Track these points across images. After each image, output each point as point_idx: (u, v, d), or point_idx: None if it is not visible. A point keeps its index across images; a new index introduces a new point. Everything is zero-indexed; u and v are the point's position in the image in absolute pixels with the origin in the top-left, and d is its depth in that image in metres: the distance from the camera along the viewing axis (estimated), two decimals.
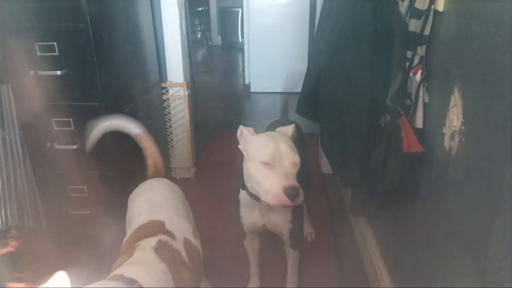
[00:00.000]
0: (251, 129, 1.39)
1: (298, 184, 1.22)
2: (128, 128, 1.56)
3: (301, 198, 1.23)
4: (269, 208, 1.46)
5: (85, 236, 2.05)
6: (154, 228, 1.21)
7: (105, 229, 1.88)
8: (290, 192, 1.20)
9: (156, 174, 1.56)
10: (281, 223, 1.54)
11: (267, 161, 1.25)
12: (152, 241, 1.13)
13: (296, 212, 1.54)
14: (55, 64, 1.74)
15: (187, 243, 1.22)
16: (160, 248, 1.11)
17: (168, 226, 1.22)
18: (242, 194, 1.49)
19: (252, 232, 1.65)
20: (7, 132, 1.90)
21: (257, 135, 1.37)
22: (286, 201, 1.20)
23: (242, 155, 1.39)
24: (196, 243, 1.28)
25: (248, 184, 1.38)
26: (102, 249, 1.92)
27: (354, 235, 2.23)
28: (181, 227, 1.26)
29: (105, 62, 1.83)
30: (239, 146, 1.39)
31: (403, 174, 1.36)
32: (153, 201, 1.35)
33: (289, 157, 1.26)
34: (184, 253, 1.17)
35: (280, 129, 1.47)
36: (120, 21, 2.03)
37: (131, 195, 1.47)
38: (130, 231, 1.26)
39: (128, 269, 1.00)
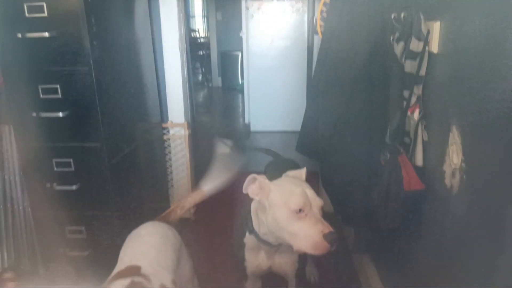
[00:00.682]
0: (264, 177, 1.36)
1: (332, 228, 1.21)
2: (207, 177, 1.61)
3: (338, 244, 1.22)
4: (276, 250, 1.44)
5: (82, 277, 2.00)
6: (130, 272, 1.19)
7: (103, 271, 1.83)
8: (330, 238, 1.19)
9: (164, 218, 1.56)
10: (287, 265, 1.51)
11: (301, 208, 1.23)
12: (125, 281, 1.11)
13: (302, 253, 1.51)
14: (58, 106, 1.76)
15: None
16: (133, 286, 1.09)
17: (145, 271, 1.20)
18: (248, 237, 1.46)
19: (255, 275, 1.62)
20: (6, 173, 1.90)
21: (277, 183, 1.34)
22: (327, 247, 1.20)
23: (244, 196, 1.37)
24: None
25: (261, 231, 1.36)
26: None
27: (358, 274, 2.18)
28: (158, 274, 1.23)
29: (107, 103, 1.85)
30: (252, 195, 1.35)
31: (405, 212, 1.35)
32: (137, 247, 1.34)
33: (317, 202, 1.26)
34: None
35: (292, 173, 1.46)
36: (122, 64, 2.08)
37: (127, 238, 1.45)
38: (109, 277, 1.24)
39: None
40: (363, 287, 2.05)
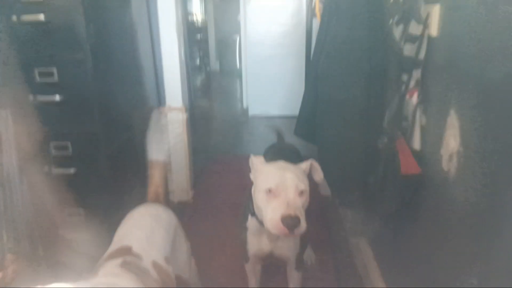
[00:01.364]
0: (261, 158, 1.39)
1: (298, 214, 1.20)
2: (151, 149, 1.59)
3: (301, 229, 1.21)
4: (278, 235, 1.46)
5: (81, 258, 2.01)
6: (120, 252, 1.21)
7: (100, 251, 1.85)
8: (288, 222, 1.19)
9: (155, 200, 1.56)
10: (289, 249, 1.53)
11: (271, 188, 1.26)
12: (117, 261, 1.13)
13: (304, 236, 1.53)
14: (54, 90, 1.75)
15: (156, 265, 1.21)
16: (126, 264, 1.11)
17: (135, 250, 1.22)
18: (251, 220, 1.48)
19: (257, 257, 1.64)
20: (4, 156, 1.89)
21: (267, 164, 1.37)
22: (284, 230, 1.20)
23: (246, 180, 1.39)
24: (167, 267, 1.27)
25: (257, 212, 1.38)
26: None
27: (354, 257, 2.20)
28: (150, 251, 1.25)
29: (104, 87, 1.85)
30: (250, 175, 1.40)
31: (402, 196, 1.36)
32: (129, 229, 1.36)
33: (294, 186, 1.26)
34: (153, 272, 1.16)
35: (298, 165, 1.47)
36: (119, 48, 2.06)
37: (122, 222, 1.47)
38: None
39: (92, 282, 1.01)
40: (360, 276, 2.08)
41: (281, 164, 1.38)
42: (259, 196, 1.30)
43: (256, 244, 1.53)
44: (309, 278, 2.00)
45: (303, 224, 1.21)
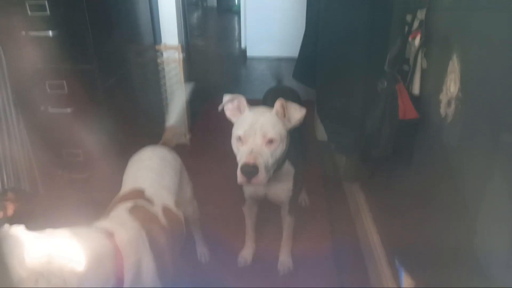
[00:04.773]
0: (243, 102, 1.34)
1: (257, 163, 1.19)
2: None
3: (259, 178, 1.21)
4: (272, 178, 1.48)
5: (81, 199, 2.06)
6: (134, 195, 1.24)
7: (102, 192, 1.89)
8: (244, 169, 1.20)
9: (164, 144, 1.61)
10: (282, 193, 1.55)
11: (240, 136, 1.26)
12: (128, 204, 1.16)
13: (297, 181, 1.55)
14: (47, 24, 1.69)
15: (166, 210, 1.24)
16: (135, 210, 1.14)
17: (148, 193, 1.25)
18: None
19: (253, 199, 1.68)
20: (0, 96, 1.87)
21: (248, 110, 1.33)
22: (242, 178, 1.21)
23: None
24: (177, 211, 1.31)
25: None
26: (98, 211, 1.94)
27: (347, 201, 2.26)
28: (161, 195, 1.28)
29: (98, 23, 1.78)
30: (228, 115, 1.37)
31: (398, 141, 1.36)
32: (139, 171, 1.37)
33: (261, 133, 1.24)
34: (161, 218, 1.20)
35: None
36: None
37: (128, 162, 1.48)
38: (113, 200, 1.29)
39: (101, 223, 1.04)
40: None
41: (259, 109, 1.34)
42: (233, 142, 1.31)
43: (250, 187, 1.56)
44: (302, 220, 2.06)
45: (262, 174, 1.21)
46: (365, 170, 2.00)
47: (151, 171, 1.36)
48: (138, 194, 1.24)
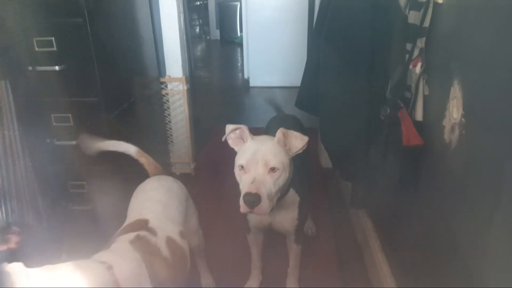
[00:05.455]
0: (245, 132, 1.34)
1: (259, 192, 1.19)
2: (126, 149, 1.60)
3: (262, 207, 1.20)
4: (276, 207, 1.47)
5: (84, 231, 2.05)
6: (137, 226, 1.23)
7: (105, 223, 1.88)
8: (247, 199, 1.19)
9: (156, 172, 1.57)
10: (287, 222, 1.54)
11: (242, 165, 1.26)
12: (130, 236, 1.15)
13: (302, 209, 1.54)
14: (54, 59, 1.73)
15: (170, 241, 1.23)
16: (137, 241, 1.13)
17: (151, 224, 1.24)
18: None
19: (258, 229, 1.66)
20: (6, 129, 1.89)
21: (251, 139, 1.34)
22: (244, 208, 1.21)
23: None
24: (182, 243, 1.30)
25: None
26: (100, 244, 1.92)
27: (354, 229, 2.23)
28: (166, 226, 1.27)
29: (104, 57, 1.82)
30: (231, 144, 1.38)
31: (403, 167, 1.36)
32: (144, 202, 1.37)
33: (263, 162, 1.24)
34: (164, 250, 1.18)
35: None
36: (118, 15, 2.02)
37: (134, 193, 1.48)
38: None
39: (101, 255, 1.03)
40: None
41: (261, 138, 1.34)
42: (236, 171, 1.31)
43: (255, 216, 1.54)
44: (309, 249, 2.03)
45: (265, 203, 1.20)
46: (372, 197, 1.98)
47: (156, 201, 1.35)
48: (142, 225, 1.23)
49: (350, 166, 1.64)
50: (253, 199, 1.19)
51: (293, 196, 1.47)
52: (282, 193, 1.36)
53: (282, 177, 1.27)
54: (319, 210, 2.39)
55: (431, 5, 1.19)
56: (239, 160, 1.28)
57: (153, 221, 1.25)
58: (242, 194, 1.22)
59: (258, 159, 1.24)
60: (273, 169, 1.25)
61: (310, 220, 2.23)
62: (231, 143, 1.38)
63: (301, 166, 1.50)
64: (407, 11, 1.26)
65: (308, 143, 1.32)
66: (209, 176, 2.88)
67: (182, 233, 1.32)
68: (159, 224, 1.25)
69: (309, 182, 1.75)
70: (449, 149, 1.12)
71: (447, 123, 1.13)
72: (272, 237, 1.89)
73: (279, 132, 1.30)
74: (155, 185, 1.45)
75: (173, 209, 1.37)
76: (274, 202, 1.27)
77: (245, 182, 1.24)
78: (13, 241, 1.51)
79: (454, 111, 1.09)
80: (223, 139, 1.38)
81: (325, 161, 2.83)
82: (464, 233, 1.06)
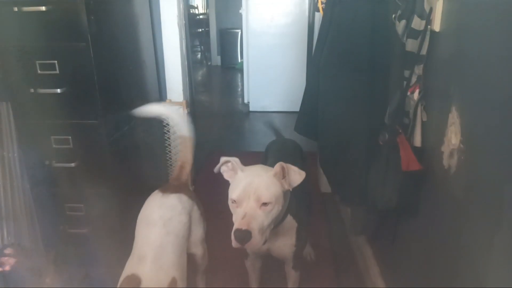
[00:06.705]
0: (237, 160, 1.34)
1: (250, 229, 1.17)
2: (179, 126, 1.64)
3: (252, 243, 1.18)
4: (273, 233, 1.46)
5: (81, 255, 2.02)
6: (130, 282, 1.28)
7: (101, 248, 1.85)
8: (237, 234, 1.18)
9: (177, 178, 1.63)
10: (285, 248, 1.52)
11: (234, 199, 1.25)
12: None
13: (300, 235, 1.52)
14: (56, 82, 1.75)
15: None
16: None
17: (144, 283, 1.28)
18: None
19: (256, 254, 1.64)
20: (5, 150, 1.89)
21: (245, 169, 1.33)
22: (235, 243, 1.19)
23: None
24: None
25: None
26: (98, 268, 1.89)
27: (354, 255, 2.21)
28: (157, 277, 1.31)
29: (105, 80, 1.84)
30: (225, 176, 1.37)
31: (403, 193, 1.35)
32: (144, 239, 1.40)
33: (255, 197, 1.22)
34: None
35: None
36: (120, 40, 2.05)
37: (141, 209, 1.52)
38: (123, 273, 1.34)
39: None
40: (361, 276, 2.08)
41: (255, 170, 1.33)
42: (229, 204, 1.29)
43: None
44: (308, 275, 2.00)
45: (255, 238, 1.18)
46: (371, 223, 1.97)
47: (153, 244, 1.37)
48: (134, 282, 1.27)
49: (350, 191, 1.63)
50: (244, 236, 1.17)
51: (290, 222, 1.46)
52: (277, 221, 1.34)
53: (275, 210, 1.25)
54: (318, 236, 2.37)
55: (428, 33, 1.22)
56: (231, 194, 1.27)
57: (144, 276, 1.29)
58: (233, 229, 1.19)
59: (250, 193, 1.22)
60: (265, 204, 1.23)
61: (308, 245, 2.20)
62: (225, 175, 1.38)
63: (299, 191, 1.50)
64: (405, 39, 1.28)
65: (307, 167, 1.32)
66: (207, 200, 2.86)
67: (174, 280, 1.34)
68: (150, 278, 1.29)
69: (308, 208, 1.73)
70: (448, 175, 1.12)
71: (445, 149, 1.14)
72: (270, 262, 1.87)
73: (278, 166, 1.28)
74: (155, 218, 1.44)
75: (169, 251, 1.38)
76: (267, 234, 1.25)
77: (236, 216, 1.23)
78: (8, 263, 1.49)
79: (453, 137, 1.09)
80: (215, 170, 1.38)
81: (325, 185, 2.82)
82: (465, 259, 1.05)
